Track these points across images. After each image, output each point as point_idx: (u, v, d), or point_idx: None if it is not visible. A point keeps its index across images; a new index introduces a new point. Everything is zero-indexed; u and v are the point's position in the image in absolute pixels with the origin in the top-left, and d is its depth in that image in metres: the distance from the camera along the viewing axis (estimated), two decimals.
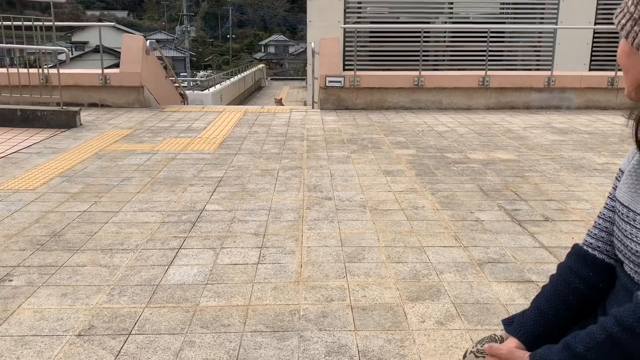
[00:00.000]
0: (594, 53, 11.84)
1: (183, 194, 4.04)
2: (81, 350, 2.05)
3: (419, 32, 9.47)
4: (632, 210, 1.02)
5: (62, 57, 7.79)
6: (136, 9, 77.52)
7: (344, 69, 9.54)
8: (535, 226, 3.41)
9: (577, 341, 0.95)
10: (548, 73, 8.82)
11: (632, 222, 1.01)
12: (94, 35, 44.22)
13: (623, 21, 0.98)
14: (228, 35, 63.53)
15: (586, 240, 1.17)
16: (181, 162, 5.04)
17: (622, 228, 1.03)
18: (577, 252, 1.18)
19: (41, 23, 7.24)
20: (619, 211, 1.06)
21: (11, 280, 2.63)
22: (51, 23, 7.24)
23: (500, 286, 2.59)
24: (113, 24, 13.78)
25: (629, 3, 0.97)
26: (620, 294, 1.06)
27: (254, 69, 36.47)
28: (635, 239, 0.99)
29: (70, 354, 2.03)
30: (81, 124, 6.76)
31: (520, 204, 3.85)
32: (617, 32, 1.03)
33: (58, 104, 6.77)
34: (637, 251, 0.99)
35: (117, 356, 2.02)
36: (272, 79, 45.34)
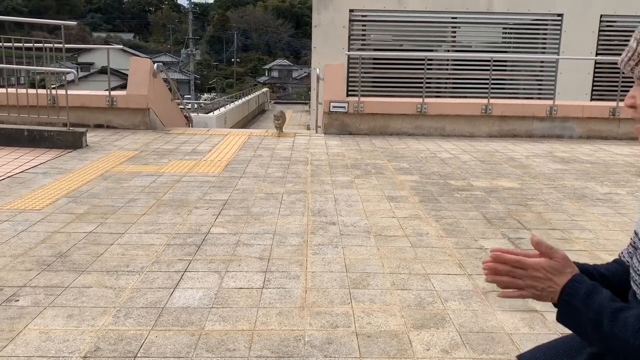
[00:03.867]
0: (595, 83, 11.97)
1: (188, 217, 4.06)
2: None
3: (422, 59, 9.61)
4: None
5: (69, 77, 7.89)
6: (142, 31, 78.60)
7: (348, 95, 9.64)
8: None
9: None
10: (550, 102, 8.91)
11: None
12: (100, 56, 44.76)
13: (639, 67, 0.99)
14: (233, 59, 64.24)
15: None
16: (186, 184, 5.07)
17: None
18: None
19: (51, 45, 7.36)
20: (638, 246, 1.09)
21: (17, 300, 2.63)
22: (61, 45, 7.36)
23: (505, 315, 2.59)
24: (121, 46, 13.97)
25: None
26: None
27: (257, 92, 36.77)
28: None
29: None
30: (87, 145, 6.82)
31: (523, 233, 3.86)
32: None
33: (65, 125, 6.84)
34: None
35: None
36: (275, 103, 45.66)
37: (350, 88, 10.85)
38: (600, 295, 1.01)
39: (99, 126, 8.30)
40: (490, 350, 2.28)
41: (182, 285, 2.86)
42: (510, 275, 1.09)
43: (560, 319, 1.07)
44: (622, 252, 1.26)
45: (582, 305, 1.01)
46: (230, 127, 17.03)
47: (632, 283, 1.11)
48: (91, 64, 48.15)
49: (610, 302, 1.00)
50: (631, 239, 1.19)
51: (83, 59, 50.06)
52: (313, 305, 2.66)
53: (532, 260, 1.08)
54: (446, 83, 12.70)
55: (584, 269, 1.17)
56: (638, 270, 1.08)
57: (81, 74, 37.48)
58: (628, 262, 1.21)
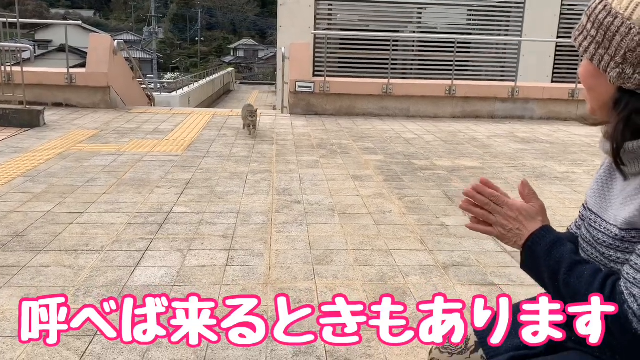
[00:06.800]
0: (556, 65, 12.22)
1: (150, 196, 4.00)
2: (44, 351, 2.02)
3: (388, 40, 9.63)
4: (595, 214, 1.08)
5: (26, 54, 7.61)
6: (103, 8, 76.12)
7: (314, 75, 9.59)
8: None
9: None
10: (512, 84, 9.07)
11: (596, 226, 1.06)
12: (58, 33, 43.20)
13: (585, 43, 1.00)
14: (197, 38, 63.00)
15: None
16: (148, 163, 4.98)
17: (591, 232, 1.09)
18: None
19: (5, 20, 7.07)
20: (586, 216, 1.13)
21: None
22: (15, 20, 7.08)
23: (464, 288, 2.66)
24: (79, 22, 13.52)
25: (589, 26, 0.99)
26: None
27: (222, 72, 36.25)
28: (599, 241, 1.05)
29: (34, 355, 2.00)
30: (45, 124, 6.61)
31: None
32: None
33: (21, 103, 6.61)
34: (603, 253, 1.04)
35: (82, 357, 1.99)
36: (241, 83, 45.14)
37: (316, 68, 10.79)
38: (564, 247, 1.05)
39: (57, 105, 8.04)
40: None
41: (144, 263, 2.83)
42: (485, 209, 1.12)
43: (523, 265, 1.11)
44: (570, 226, 1.31)
45: (544, 254, 1.05)
46: (195, 107, 16.78)
47: (580, 251, 1.15)
48: (49, 41, 46.39)
49: (571, 254, 1.04)
50: (580, 212, 1.23)
51: (40, 36, 48.18)
52: (276, 282, 2.67)
53: (509, 199, 1.11)
54: (412, 64, 12.75)
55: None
56: (586, 238, 1.12)
57: (38, 52, 36.16)
58: (576, 233, 1.25)
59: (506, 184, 4.69)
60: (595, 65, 0.99)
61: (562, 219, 3.79)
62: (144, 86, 11.26)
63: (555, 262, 1.03)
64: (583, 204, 1.20)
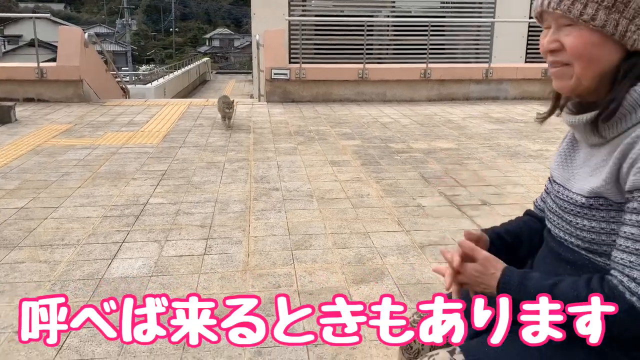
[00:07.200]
0: (529, 45, 12.32)
1: (125, 188, 3.96)
2: (21, 347, 2.00)
3: (363, 25, 9.60)
4: (560, 185, 1.11)
5: None
6: (73, 1, 74.49)
7: (290, 62, 9.54)
8: (474, 210, 3.56)
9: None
10: (486, 65, 9.13)
11: (562, 197, 1.09)
12: (29, 28, 42.17)
13: (589, 11, 0.95)
14: (171, 29, 62.10)
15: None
16: (123, 156, 4.93)
17: (558, 203, 1.11)
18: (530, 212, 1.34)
19: None
20: (551, 189, 1.16)
21: None
22: None
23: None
24: (48, 15, 13.20)
25: None
26: (547, 259, 1.15)
27: (198, 62, 35.79)
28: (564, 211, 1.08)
29: (10, 351, 1.98)
30: (16, 120, 6.49)
31: (459, 190, 3.99)
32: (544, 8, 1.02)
33: None
34: (570, 221, 1.06)
35: (59, 351, 1.98)
36: (217, 73, 44.66)
37: (292, 55, 10.73)
38: (532, 280, 1.05)
39: (29, 100, 7.89)
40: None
41: (121, 255, 2.81)
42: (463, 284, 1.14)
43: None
44: (536, 200, 1.34)
45: (519, 294, 1.05)
46: (170, 98, 16.59)
47: (547, 222, 1.18)
48: (19, 36, 45.29)
49: (542, 281, 1.04)
50: (545, 185, 1.26)
51: (10, 31, 46.98)
52: (255, 268, 2.68)
53: (466, 266, 1.13)
54: (387, 49, 12.75)
55: (495, 234, 1.25)
56: (552, 209, 1.14)
57: (8, 47, 35.34)
58: (541, 206, 1.28)
59: (481, 164, 4.75)
60: (608, 33, 0.94)
61: (535, 196, 3.84)
62: (118, 79, 11.10)
63: (534, 296, 1.02)
64: (549, 178, 1.22)
